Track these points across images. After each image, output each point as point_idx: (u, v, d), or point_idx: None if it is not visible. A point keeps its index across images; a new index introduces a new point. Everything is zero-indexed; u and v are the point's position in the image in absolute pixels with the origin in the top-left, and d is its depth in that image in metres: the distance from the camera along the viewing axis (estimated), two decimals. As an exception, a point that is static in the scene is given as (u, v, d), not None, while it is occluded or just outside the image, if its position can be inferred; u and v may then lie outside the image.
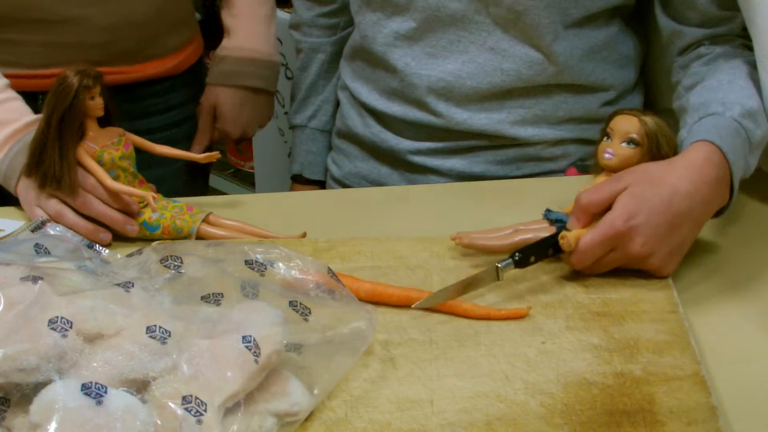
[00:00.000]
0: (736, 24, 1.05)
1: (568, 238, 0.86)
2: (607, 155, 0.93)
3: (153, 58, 1.32)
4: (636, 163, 0.92)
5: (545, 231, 0.91)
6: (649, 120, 0.92)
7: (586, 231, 0.86)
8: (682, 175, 0.88)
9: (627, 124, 0.92)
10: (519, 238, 0.91)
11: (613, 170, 0.92)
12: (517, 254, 0.87)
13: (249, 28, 1.37)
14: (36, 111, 1.07)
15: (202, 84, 1.43)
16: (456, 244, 0.93)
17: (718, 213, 0.93)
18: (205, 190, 1.52)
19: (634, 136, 0.92)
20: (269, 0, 1.39)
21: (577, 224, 0.88)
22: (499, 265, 0.86)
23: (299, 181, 1.40)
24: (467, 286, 0.85)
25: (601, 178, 0.93)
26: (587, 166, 1.18)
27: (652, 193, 0.86)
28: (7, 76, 1.10)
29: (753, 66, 1.00)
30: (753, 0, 0.96)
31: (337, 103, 1.33)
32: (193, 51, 1.40)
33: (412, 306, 0.84)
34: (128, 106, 1.29)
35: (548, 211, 0.94)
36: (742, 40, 1.05)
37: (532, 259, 0.87)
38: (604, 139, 0.94)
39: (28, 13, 1.20)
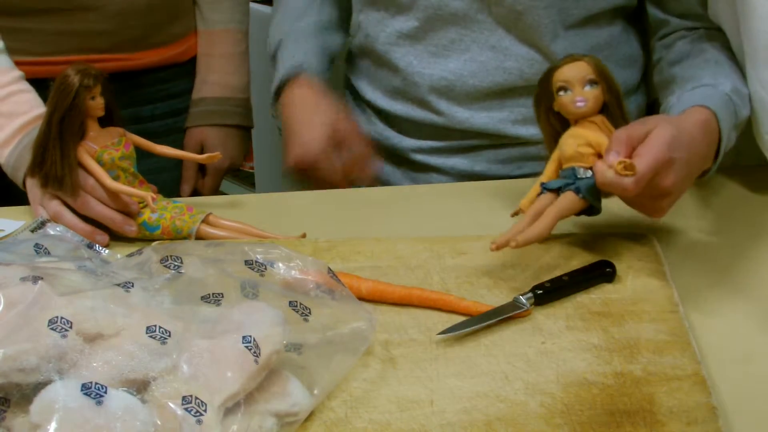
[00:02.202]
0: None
1: (626, 163, 0.83)
2: (580, 103, 0.91)
3: (157, 45, 1.33)
4: (602, 102, 0.91)
5: (562, 199, 0.89)
6: (588, 58, 0.91)
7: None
8: (692, 126, 0.92)
9: (579, 70, 0.91)
10: (553, 214, 0.88)
11: (584, 118, 0.91)
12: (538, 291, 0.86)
13: (225, 67, 1.40)
14: (45, 98, 1.08)
15: None
16: (498, 249, 0.87)
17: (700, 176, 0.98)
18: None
19: (592, 76, 0.91)
20: (245, 37, 1.42)
21: (618, 157, 0.85)
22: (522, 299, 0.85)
23: (291, 85, 1.20)
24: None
25: (551, 165, 0.93)
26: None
27: (679, 132, 0.87)
28: (16, 63, 1.11)
29: (731, 51, 1.07)
30: (749, 3, 0.97)
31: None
32: (197, 40, 1.40)
33: (437, 334, 0.81)
34: (132, 92, 1.31)
35: (543, 184, 0.91)
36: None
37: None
38: (560, 93, 0.92)
39: (43, 2, 1.22)
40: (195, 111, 1.40)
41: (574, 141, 0.91)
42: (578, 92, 0.91)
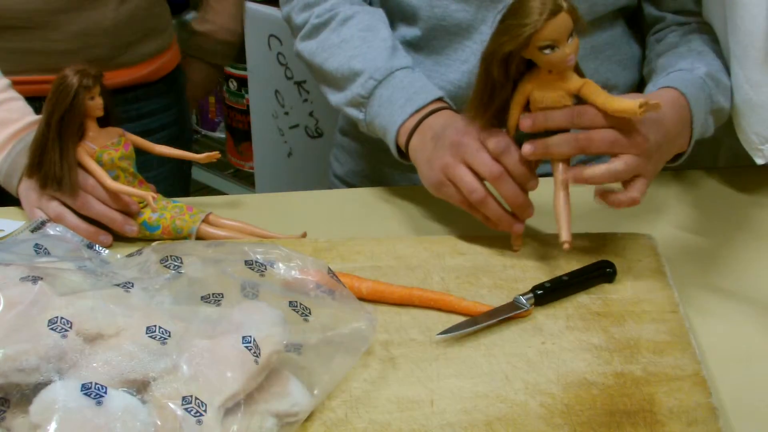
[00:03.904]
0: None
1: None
2: (572, 62, 0.88)
3: (126, 65, 1.32)
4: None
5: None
6: (564, 3, 0.86)
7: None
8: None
9: (564, 25, 0.85)
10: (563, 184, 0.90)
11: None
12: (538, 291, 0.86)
13: (228, 10, 1.55)
14: None
15: (178, 92, 1.43)
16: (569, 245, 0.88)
17: (674, 159, 0.98)
18: (187, 189, 1.52)
19: (572, 26, 0.86)
20: None
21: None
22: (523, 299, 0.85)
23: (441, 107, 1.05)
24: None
25: (516, 112, 0.91)
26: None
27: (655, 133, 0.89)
28: None
29: (719, 44, 1.08)
30: (738, 3, 0.99)
31: None
32: (169, 60, 1.40)
33: (437, 334, 0.81)
34: None
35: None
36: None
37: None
38: (546, 52, 0.86)
39: (1, 20, 1.20)
40: (195, 41, 1.54)
41: (555, 94, 0.89)
42: (566, 48, 0.86)
